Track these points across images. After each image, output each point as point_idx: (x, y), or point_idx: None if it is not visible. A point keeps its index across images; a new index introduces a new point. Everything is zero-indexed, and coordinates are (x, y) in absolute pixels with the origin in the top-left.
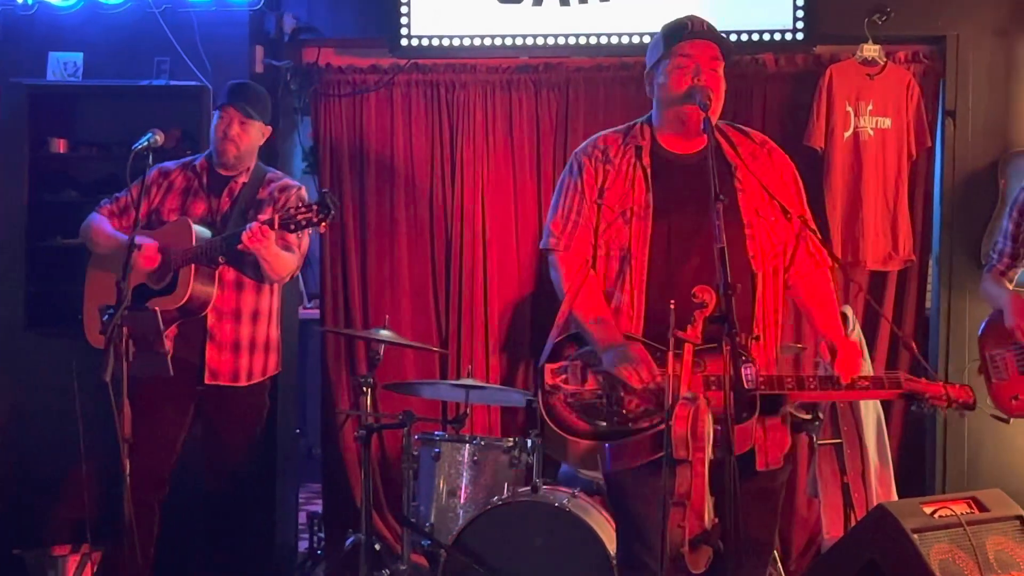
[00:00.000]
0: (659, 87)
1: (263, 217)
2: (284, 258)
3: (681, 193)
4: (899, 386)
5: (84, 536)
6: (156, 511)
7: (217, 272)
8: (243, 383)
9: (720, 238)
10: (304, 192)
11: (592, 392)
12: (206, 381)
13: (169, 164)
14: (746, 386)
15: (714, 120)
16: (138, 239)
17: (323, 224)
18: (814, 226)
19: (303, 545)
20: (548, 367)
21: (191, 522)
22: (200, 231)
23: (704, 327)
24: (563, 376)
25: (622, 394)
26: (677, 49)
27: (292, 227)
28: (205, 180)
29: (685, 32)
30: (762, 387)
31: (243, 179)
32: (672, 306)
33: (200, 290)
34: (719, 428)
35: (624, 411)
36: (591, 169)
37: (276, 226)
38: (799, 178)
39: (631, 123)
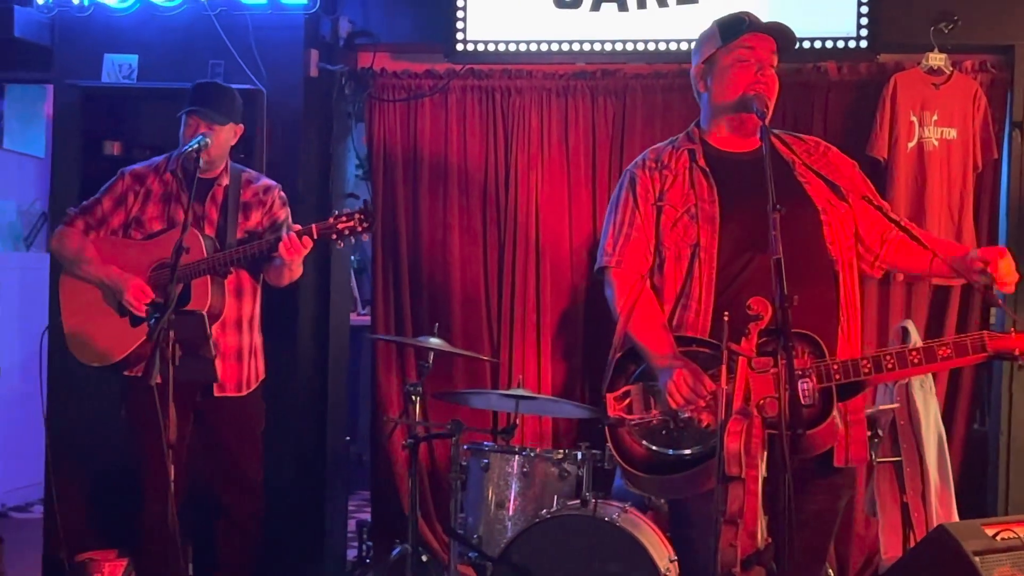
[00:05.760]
0: (715, 82)
1: (295, 227)
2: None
3: (745, 191)
4: (983, 348)
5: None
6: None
7: (225, 282)
8: (244, 392)
9: (776, 249)
10: (281, 191)
11: (657, 418)
12: (215, 394)
13: (138, 168)
14: (803, 402)
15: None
16: (125, 278)
17: (365, 234)
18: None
19: (352, 553)
20: (610, 396)
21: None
22: (206, 241)
23: (759, 340)
24: (626, 403)
25: (688, 415)
26: (738, 42)
27: (334, 237)
28: (186, 185)
29: (745, 25)
30: (837, 376)
31: (225, 182)
32: (726, 318)
33: (217, 302)
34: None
35: (693, 433)
36: (646, 178)
37: (316, 236)
38: (861, 172)
39: (676, 136)
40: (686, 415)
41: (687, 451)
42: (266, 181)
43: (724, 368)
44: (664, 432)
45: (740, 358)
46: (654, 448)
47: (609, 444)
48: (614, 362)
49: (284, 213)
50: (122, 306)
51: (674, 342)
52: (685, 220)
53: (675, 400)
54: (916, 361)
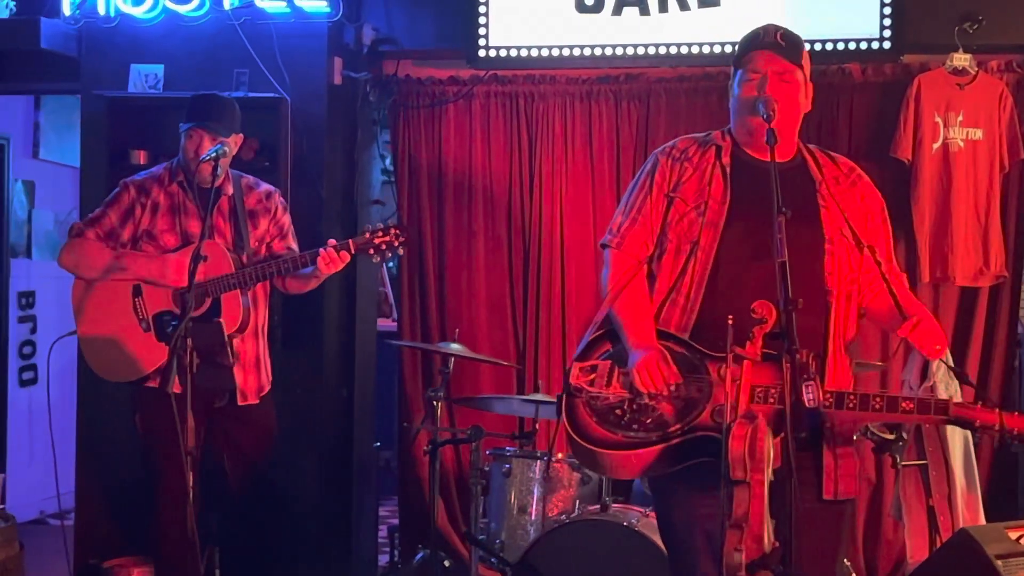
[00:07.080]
0: (733, 97)
1: (332, 241)
2: None
3: (758, 199)
4: (946, 412)
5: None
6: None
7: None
8: (259, 398)
9: (781, 252)
10: (280, 196)
11: (615, 397)
12: (239, 403)
13: (142, 179)
14: (808, 406)
15: (783, 131)
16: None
17: (401, 249)
18: (892, 264)
19: (384, 559)
20: (576, 365)
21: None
22: (230, 254)
23: (763, 344)
24: (590, 376)
25: (646, 401)
26: (745, 60)
27: (371, 252)
28: (193, 196)
29: (752, 43)
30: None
31: (229, 191)
32: (730, 322)
33: (247, 315)
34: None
35: (643, 420)
36: (665, 166)
37: (353, 251)
38: (886, 212)
39: (709, 131)
40: (645, 400)
41: (620, 434)
42: (266, 186)
43: (728, 372)
44: (617, 411)
45: (744, 362)
46: (594, 421)
47: (563, 412)
48: (590, 338)
49: (287, 219)
50: (146, 321)
51: (654, 330)
52: (692, 215)
53: (643, 382)
54: (878, 407)
